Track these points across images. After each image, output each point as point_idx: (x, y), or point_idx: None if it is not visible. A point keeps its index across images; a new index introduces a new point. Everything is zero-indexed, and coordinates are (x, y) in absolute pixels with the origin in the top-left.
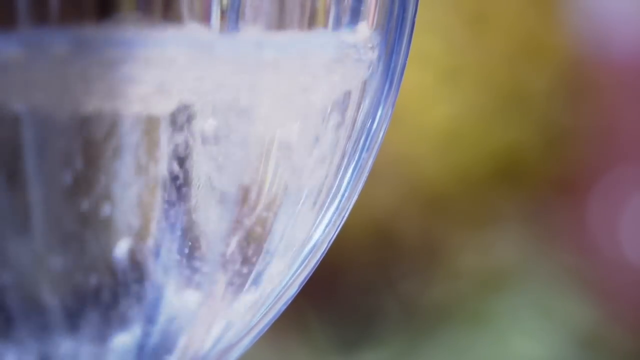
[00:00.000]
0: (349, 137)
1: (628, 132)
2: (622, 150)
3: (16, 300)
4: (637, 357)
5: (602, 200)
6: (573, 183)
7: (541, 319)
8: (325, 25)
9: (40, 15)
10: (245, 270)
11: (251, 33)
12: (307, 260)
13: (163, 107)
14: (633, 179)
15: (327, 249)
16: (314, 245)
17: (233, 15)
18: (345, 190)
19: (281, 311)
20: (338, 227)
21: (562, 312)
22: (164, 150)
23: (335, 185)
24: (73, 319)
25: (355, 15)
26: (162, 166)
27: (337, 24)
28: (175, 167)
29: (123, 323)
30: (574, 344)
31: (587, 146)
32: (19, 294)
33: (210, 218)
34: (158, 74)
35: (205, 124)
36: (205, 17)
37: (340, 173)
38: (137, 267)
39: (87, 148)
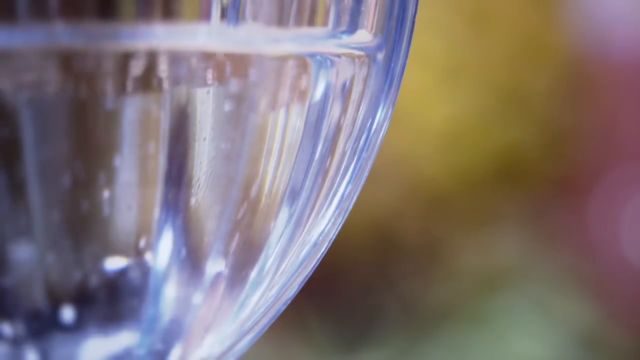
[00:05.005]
0: (349, 136)
1: (628, 131)
2: (622, 149)
3: (15, 299)
4: (637, 357)
5: (602, 200)
6: (573, 183)
7: (541, 319)
8: (325, 24)
9: (41, 8)
10: (245, 269)
11: (251, 29)
12: (307, 260)
13: (163, 100)
14: (633, 179)
15: (327, 249)
16: (314, 245)
17: (233, 13)
18: (345, 190)
19: (281, 311)
20: (338, 226)
21: (562, 312)
22: (165, 144)
23: (335, 184)
24: (72, 319)
25: (355, 14)
26: (162, 161)
27: (337, 23)
28: (176, 163)
29: (122, 323)
30: (574, 344)
31: (587, 146)
32: (17, 294)
33: (210, 216)
34: (158, 66)
35: (204, 118)
36: (206, 15)
37: (340, 173)
38: (136, 267)
39: (87, 140)
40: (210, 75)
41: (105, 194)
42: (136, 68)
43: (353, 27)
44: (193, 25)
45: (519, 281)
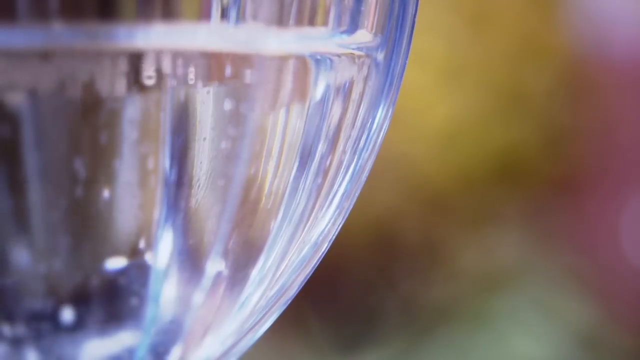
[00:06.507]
0: (349, 136)
1: (628, 132)
2: (622, 150)
3: (15, 299)
4: (637, 357)
5: (602, 200)
6: (573, 183)
7: (541, 319)
8: (326, 24)
9: (41, 8)
10: (245, 269)
11: (251, 29)
12: (307, 260)
13: (163, 100)
14: (633, 179)
15: (327, 248)
16: (314, 245)
17: (233, 13)
18: (345, 190)
19: (281, 311)
20: (338, 226)
21: (562, 312)
22: (165, 144)
23: (336, 184)
24: (72, 319)
25: (356, 14)
26: (162, 162)
27: (337, 23)
28: (176, 163)
29: (122, 323)
30: (574, 343)
31: (587, 146)
32: (17, 294)
33: (210, 216)
34: (158, 66)
35: (204, 118)
36: (206, 15)
37: (341, 172)
38: (136, 267)
39: (87, 140)
40: (210, 75)
41: (106, 193)
42: (136, 68)
43: (353, 27)
44: (193, 25)
45: (519, 281)
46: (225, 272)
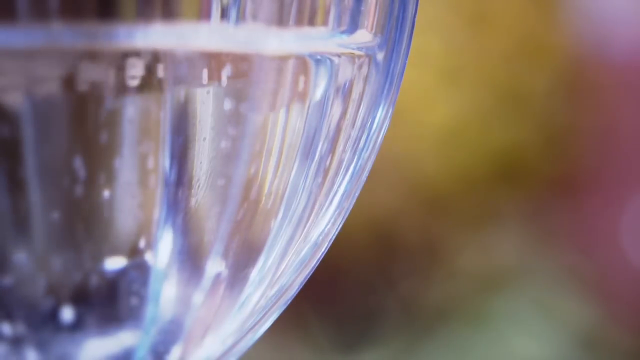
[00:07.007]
0: (349, 136)
1: (628, 131)
2: (622, 149)
3: (15, 299)
4: (637, 357)
5: (602, 200)
6: (573, 183)
7: (541, 319)
8: (326, 24)
9: (41, 8)
10: (245, 269)
11: (251, 29)
12: (307, 260)
13: (163, 100)
14: (633, 179)
15: (327, 248)
16: (314, 245)
17: (233, 13)
18: (345, 190)
19: (281, 311)
20: (338, 226)
21: (562, 312)
22: (165, 144)
23: (336, 184)
24: (72, 319)
25: (356, 14)
26: (162, 161)
27: (337, 23)
28: (176, 163)
29: (122, 323)
30: (574, 344)
31: (587, 146)
32: (17, 294)
33: (210, 216)
34: (158, 65)
35: (204, 118)
36: (206, 15)
37: (340, 172)
38: (136, 267)
39: (87, 140)
40: (210, 75)
41: (106, 193)
42: (136, 68)
43: (353, 27)
44: (193, 25)
45: (519, 281)
46: (225, 272)
